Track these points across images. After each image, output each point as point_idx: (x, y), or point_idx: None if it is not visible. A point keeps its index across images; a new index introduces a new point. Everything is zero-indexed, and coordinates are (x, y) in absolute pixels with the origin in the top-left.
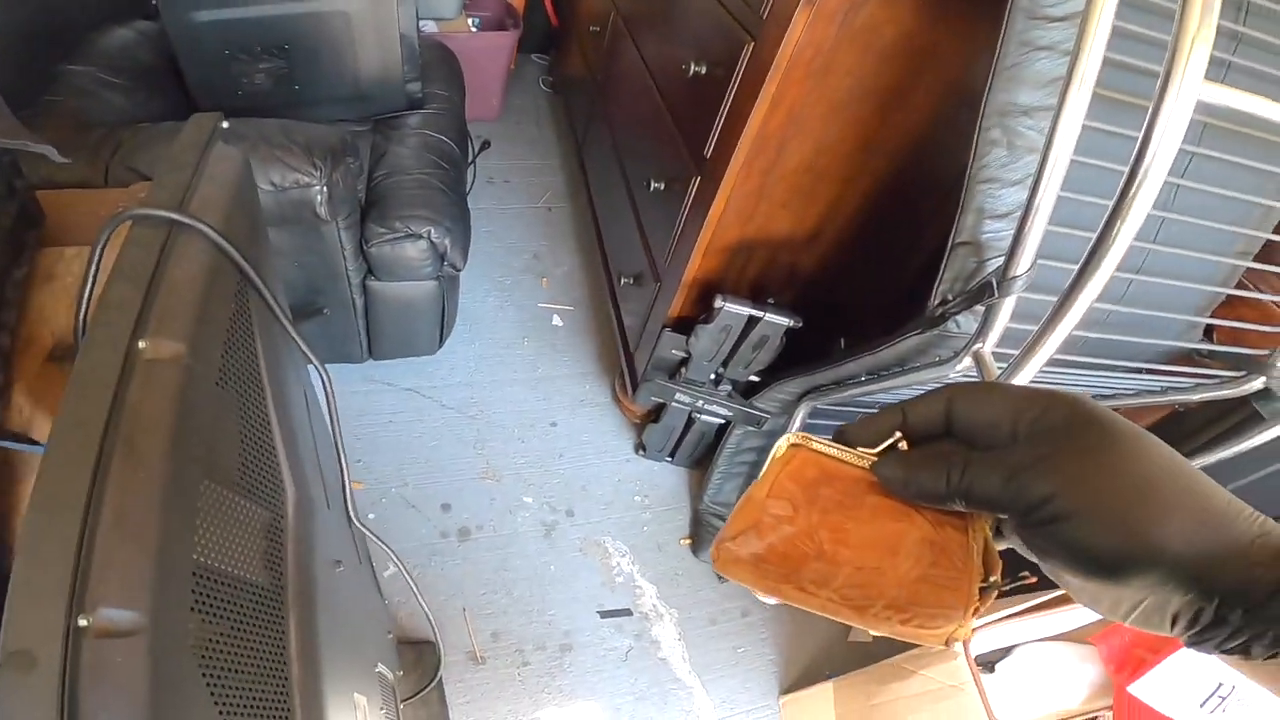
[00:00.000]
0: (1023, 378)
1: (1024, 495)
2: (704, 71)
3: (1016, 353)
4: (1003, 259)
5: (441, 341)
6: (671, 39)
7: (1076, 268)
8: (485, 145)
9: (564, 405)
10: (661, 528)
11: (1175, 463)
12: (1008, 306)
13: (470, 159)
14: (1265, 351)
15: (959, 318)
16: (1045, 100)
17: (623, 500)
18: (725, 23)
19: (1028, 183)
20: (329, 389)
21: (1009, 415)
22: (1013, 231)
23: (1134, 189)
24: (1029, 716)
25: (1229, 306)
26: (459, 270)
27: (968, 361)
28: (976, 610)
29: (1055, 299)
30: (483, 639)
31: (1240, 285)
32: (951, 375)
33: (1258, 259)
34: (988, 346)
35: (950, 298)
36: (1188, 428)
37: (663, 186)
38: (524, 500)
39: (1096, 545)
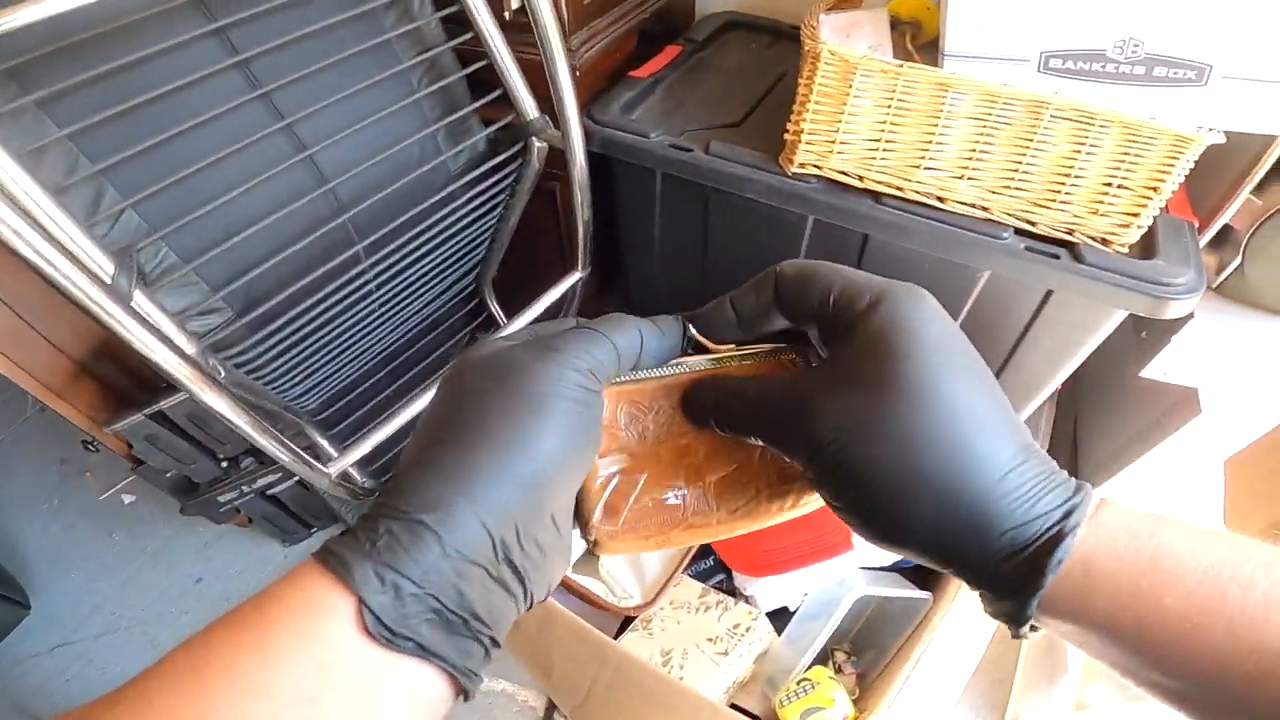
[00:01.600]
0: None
1: (793, 451)
2: None
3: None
4: None
5: (19, 600)
6: None
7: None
8: None
9: (195, 558)
10: None
11: (956, 411)
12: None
13: None
14: (510, 117)
15: None
16: None
17: None
18: None
19: None
20: None
21: (825, 310)
22: None
23: None
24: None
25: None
26: None
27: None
28: None
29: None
30: None
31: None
32: None
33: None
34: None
35: None
36: None
37: None
38: None
39: (850, 519)
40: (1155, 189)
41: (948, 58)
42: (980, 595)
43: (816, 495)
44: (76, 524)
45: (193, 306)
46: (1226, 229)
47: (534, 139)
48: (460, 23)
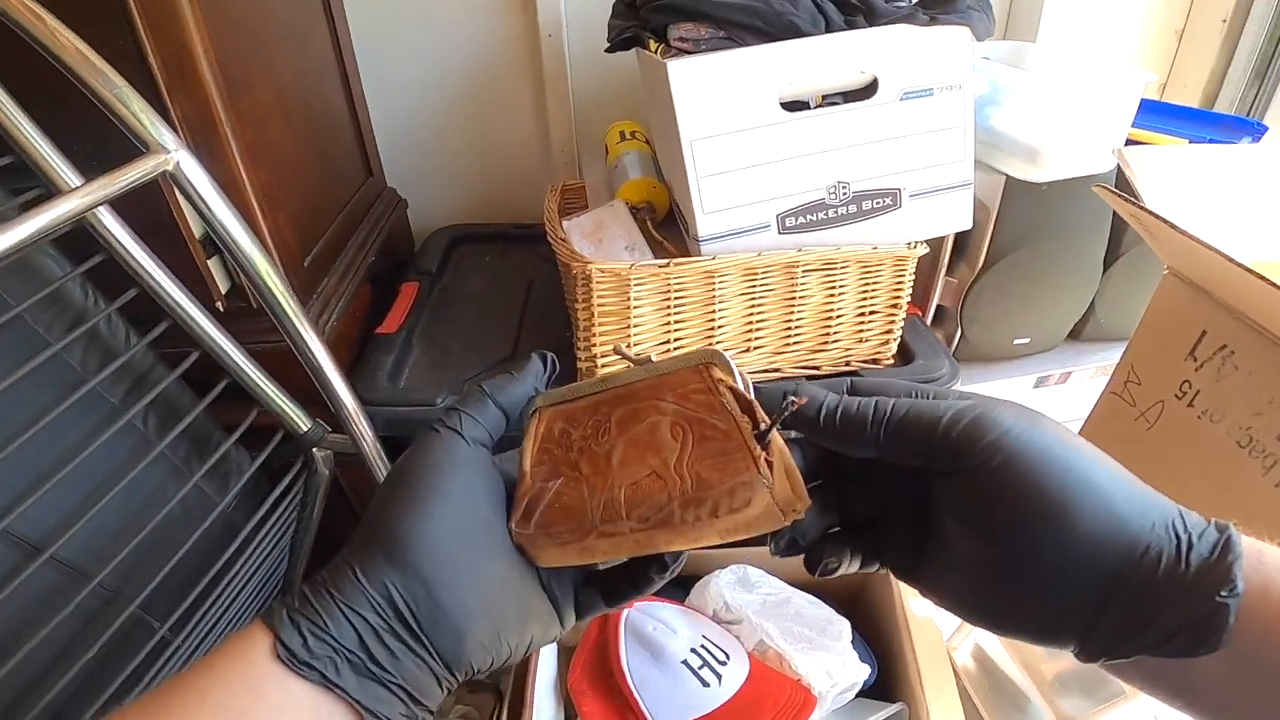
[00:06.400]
0: None
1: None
2: None
3: None
4: None
5: None
6: None
7: None
8: None
9: None
10: None
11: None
12: None
13: None
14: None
15: None
16: None
17: None
18: None
19: None
20: None
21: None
22: None
23: None
24: None
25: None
26: None
27: None
28: (768, 461)
29: None
30: None
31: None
32: None
33: None
34: None
35: None
36: None
37: None
38: None
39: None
40: (896, 304)
41: (703, 242)
42: (1153, 637)
43: (747, 501)
44: None
45: None
46: (939, 308)
47: (315, 450)
48: (176, 336)
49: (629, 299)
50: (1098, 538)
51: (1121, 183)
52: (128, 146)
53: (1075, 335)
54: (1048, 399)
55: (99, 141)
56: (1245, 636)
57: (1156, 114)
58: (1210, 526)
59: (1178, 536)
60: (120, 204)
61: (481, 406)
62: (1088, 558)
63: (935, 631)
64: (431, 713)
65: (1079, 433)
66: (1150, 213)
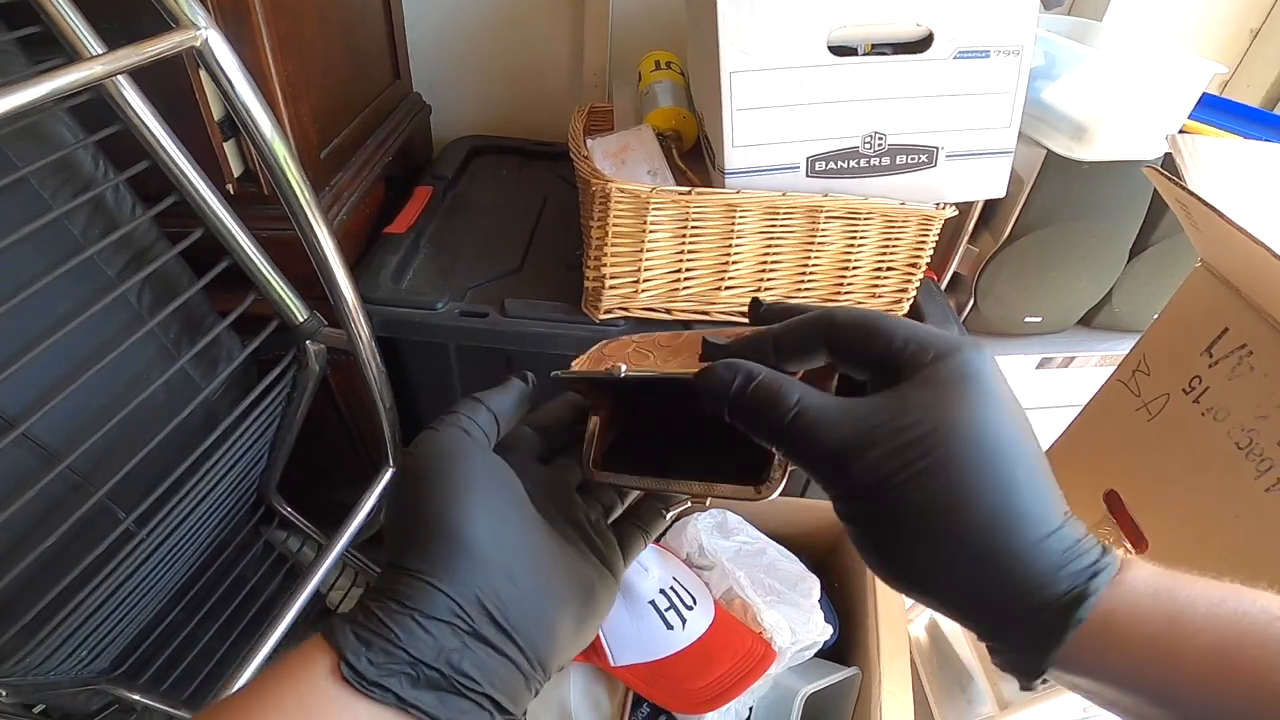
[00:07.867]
0: None
1: (830, 482)
2: None
3: None
4: None
5: None
6: None
7: None
8: None
9: None
10: None
11: (1013, 468)
12: None
13: None
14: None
15: None
16: None
17: None
18: None
19: None
20: None
21: (890, 358)
22: None
23: None
24: None
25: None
26: None
27: None
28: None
29: None
30: None
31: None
32: None
33: None
34: None
35: None
36: None
37: None
38: None
39: (873, 560)
40: (915, 264)
41: (728, 175)
42: (990, 647)
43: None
44: None
45: None
46: (955, 276)
47: (308, 343)
48: (181, 215)
49: (645, 222)
50: (980, 532)
51: (1169, 171)
52: (156, 27)
53: (1086, 321)
54: (1047, 381)
55: (127, 18)
56: (1084, 655)
57: (1214, 108)
58: (1084, 559)
59: (1049, 562)
60: (143, 80)
61: (474, 410)
62: (964, 545)
63: (899, 602)
64: None
65: (1076, 418)
66: (1199, 199)
